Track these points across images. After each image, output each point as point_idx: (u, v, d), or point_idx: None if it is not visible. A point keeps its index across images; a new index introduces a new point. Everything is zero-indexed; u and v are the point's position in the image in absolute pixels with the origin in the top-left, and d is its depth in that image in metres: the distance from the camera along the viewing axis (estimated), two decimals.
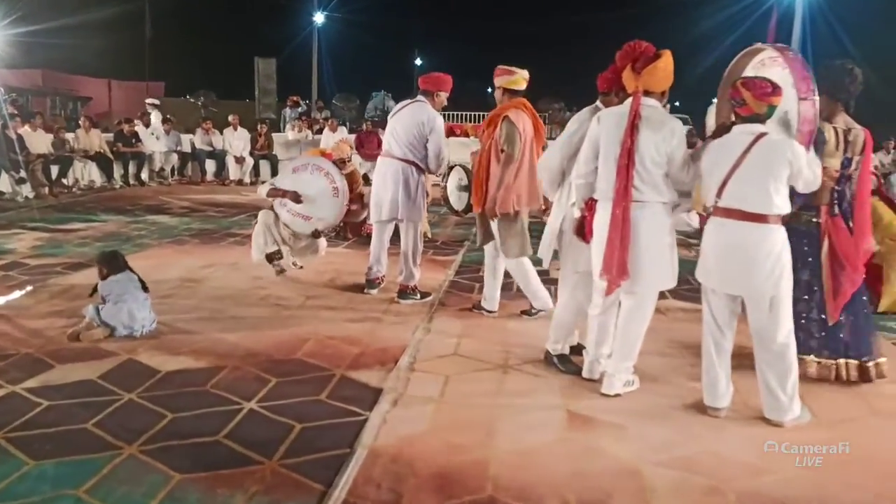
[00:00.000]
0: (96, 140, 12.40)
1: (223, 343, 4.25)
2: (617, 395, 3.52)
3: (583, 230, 3.64)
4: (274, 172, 13.66)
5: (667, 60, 3.35)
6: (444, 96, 5.18)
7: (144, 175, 12.91)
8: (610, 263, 3.35)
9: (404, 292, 5.23)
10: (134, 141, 12.79)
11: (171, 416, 3.25)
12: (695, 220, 7.68)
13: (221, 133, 13.72)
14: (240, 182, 13.42)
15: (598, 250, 3.47)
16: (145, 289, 4.53)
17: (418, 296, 5.24)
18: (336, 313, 4.92)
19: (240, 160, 13.40)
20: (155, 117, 14.08)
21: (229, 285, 5.62)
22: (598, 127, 3.44)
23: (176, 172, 13.58)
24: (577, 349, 3.96)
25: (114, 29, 28.29)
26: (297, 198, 5.72)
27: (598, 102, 3.91)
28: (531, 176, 4.46)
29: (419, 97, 5.15)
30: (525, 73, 4.60)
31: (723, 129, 3.33)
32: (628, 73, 3.38)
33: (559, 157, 3.86)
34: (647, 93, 3.34)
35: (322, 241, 6.06)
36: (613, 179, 3.35)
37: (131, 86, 30.61)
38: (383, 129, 13.64)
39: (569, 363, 3.87)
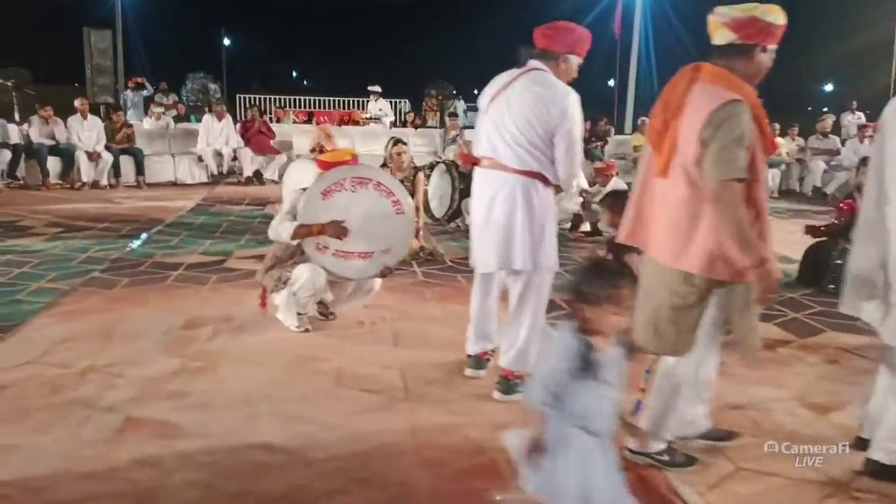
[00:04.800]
0: None
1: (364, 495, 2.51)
2: None
3: None
4: (139, 170, 11.08)
5: None
6: (575, 63, 3.25)
7: None
8: None
9: (508, 382, 3.33)
10: None
11: None
12: None
13: (65, 122, 10.79)
14: (95, 185, 10.63)
15: None
16: None
17: None
18: (484, 404, 3.27)
19: (94, 156, 10.58)
20: None
21: (264, 361, 3.71)
22: None
23: (5, 174, 10.45)
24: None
25: None
26: (342, 232, 3.94)
27: None
28: None
29: (533, 63, 3.24)
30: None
31: None
32: None
33: None
34: None
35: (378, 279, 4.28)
36: None
37: None
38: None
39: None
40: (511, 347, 3.34)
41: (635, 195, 2.69)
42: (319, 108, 21.28)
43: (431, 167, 7.11)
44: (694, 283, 2.47)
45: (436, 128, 15.14)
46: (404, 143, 6.42)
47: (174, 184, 11.43)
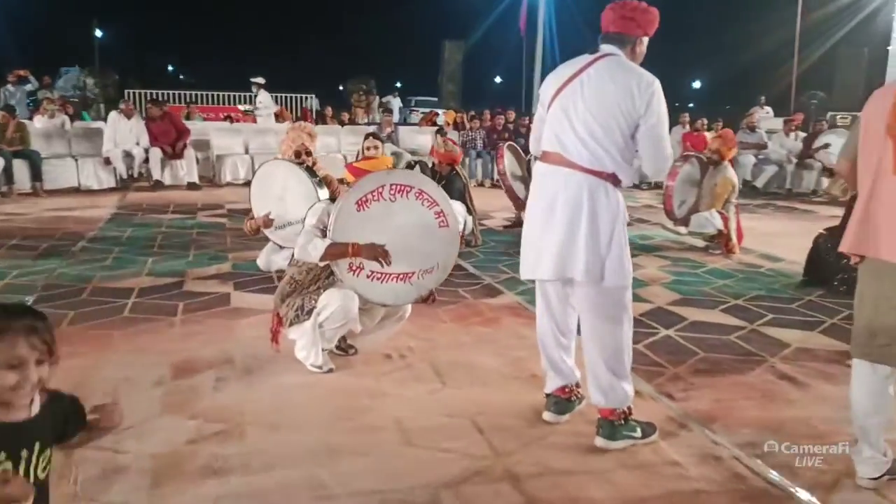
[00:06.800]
0: None
1: None
2: None
3: None
4: (36, 175, 9.70)
5: None
6: (646, 44, 2.87)
7: None
8: None
9: (611, 424, 2.79)
10: None
11: None
12: (718, 221, 6.60)
13: None
14: None
15: None
16: None
17: (637, 431, 2.81)
18: (591, 456, 2.73)
19: None
20: None
21: (300, 416, 2.99)
22: None
23: None
24: None
25: None
26: (381, 255, 3.25)
27: None
28: None
29: (607, 49, 2.81)
30: None
31: None
32: None
33: None
34: None
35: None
36: None
37: None
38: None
39: None
40: (597, 384, 2.83)
41: (862, 202, 2.40)
42: (203, 102, 20.09)
43: (410, 167, 6.48)
44: None
45: (366, 124, 14.38)
46: (378, 139, 5.75)
47: (77, 190, 10.09)
